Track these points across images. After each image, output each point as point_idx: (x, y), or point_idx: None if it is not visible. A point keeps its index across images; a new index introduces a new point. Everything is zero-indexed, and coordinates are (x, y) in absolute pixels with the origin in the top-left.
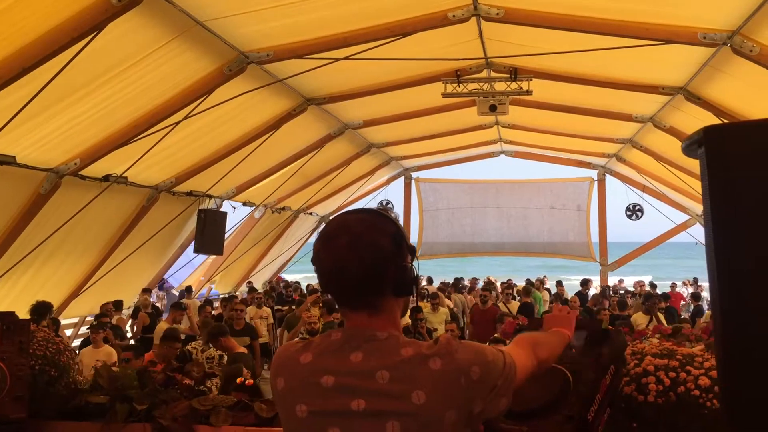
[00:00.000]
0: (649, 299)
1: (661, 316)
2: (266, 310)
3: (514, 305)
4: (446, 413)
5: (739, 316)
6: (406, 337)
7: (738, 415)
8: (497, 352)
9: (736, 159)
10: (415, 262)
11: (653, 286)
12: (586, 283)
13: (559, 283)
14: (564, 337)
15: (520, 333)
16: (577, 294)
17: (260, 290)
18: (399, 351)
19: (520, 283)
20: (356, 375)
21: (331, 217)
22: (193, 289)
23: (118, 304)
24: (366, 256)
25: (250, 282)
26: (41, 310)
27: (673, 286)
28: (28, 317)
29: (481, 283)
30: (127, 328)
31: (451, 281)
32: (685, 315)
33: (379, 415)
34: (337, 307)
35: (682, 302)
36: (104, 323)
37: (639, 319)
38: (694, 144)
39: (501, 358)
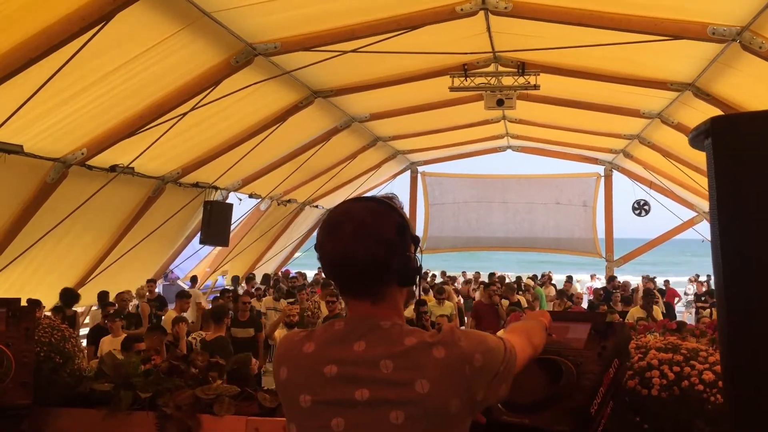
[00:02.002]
0: (647, 295)
1: (658, 312)
2: (283, 303)
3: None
4: (451, 401)
5: (744, 310)
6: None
7: (741, 411)
8: (498, 339)
9: (743, 150)
10: (418, 253)
11: (651, 280)
12: (612, 280)
13: (568, 279)
14: (542, 324)
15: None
16: (602, 289)
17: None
18: (402, 340)
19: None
20: (360, 364)
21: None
22: (198, 279)
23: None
24: (369, 244)
25: (252, 274)
26: (71, 297)
27: (667, 283)
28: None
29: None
30: None
31: (455, 275)
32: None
33: (384, 404)
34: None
35: (677, 299)
36: (119, 312)
37: (636, 314)
38: (700, 135)
39: (502, 345)
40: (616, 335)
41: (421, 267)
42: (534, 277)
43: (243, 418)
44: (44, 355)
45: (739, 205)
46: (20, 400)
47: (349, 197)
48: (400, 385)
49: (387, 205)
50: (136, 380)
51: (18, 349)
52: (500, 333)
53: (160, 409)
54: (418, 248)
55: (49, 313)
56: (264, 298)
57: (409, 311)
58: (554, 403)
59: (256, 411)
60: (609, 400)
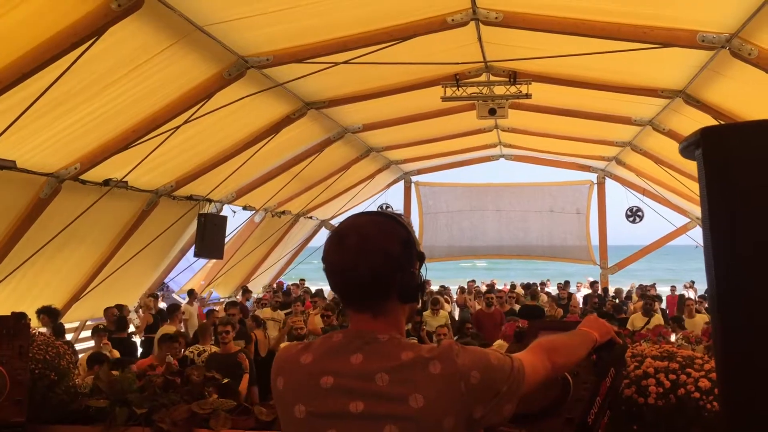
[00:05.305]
0: (647, 301)
1: (659, 319)
2: (280, 314)
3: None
4: (444, 418)
5: (737, 318)
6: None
7: (737, 414)
8: (504, 357)
9: (733, 160)
10: (423, 269)
11: (643, 288)
12: (593, 285)
13: (565, 284)
14: (588, 338)
15: (519, 335)
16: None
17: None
18: (399, 354)
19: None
20: (356, 377)
21: (341, 217)
22: (195, 293)
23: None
24: (374, 259)
25: (245, 287)
26: (52, 314)
27: (673, 289)
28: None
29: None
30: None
31: (450, 285)
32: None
33: (377, 418)
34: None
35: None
36: (107, 329)
37: (636, 320)
38: (691, 145)
39: (508, 364)
40: (612, 344)
41: (424, 284)
42: (527, 286)
43: None
44: (39, 372)
45: (730, 212)
46: (15, 417)
47: (344, 210)
48: (395, 399)
49: (395, 220)
50: (131, 396)
51: (12, 366)
52: (533, 346)
53: (156, 425)
54: (423, 265)
55: (44, 329)
56: (264, 309)
57: None
58: (551, 413)
59: (252, 425)
60: (606, 410)
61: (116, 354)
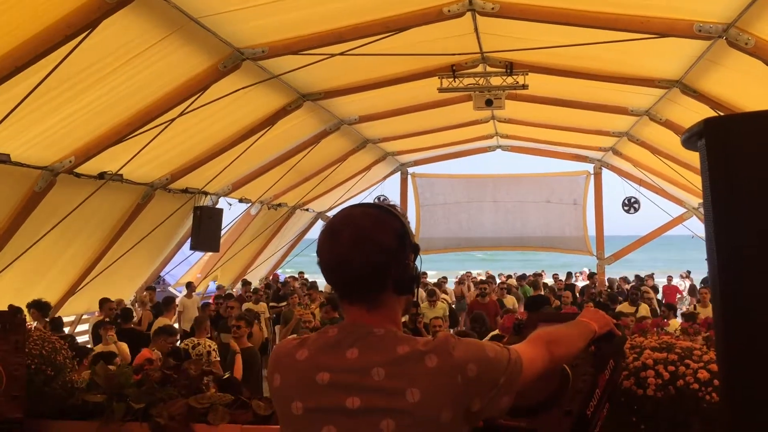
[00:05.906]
0: (634, 290)
1: (647, 307)
2: (262, 306)
3: (509, 300)
4: (441, 412)
5: (739, 306)
6: (404, 332)
7: (738, 406)
8: (501, 349)
9: (736, 150)
10: (418, 260)
11: (639, 279)
12: (591, 277)
13: (567, 276)
14: (587, 329)
15: (518, 328)
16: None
17: (257, 286)
18: (395, 348)
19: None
20: (352, 372)
21: (337, 209)
22: (194, 286)
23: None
24: (369, 252)
25: (244, 279)
26: (42, 308)
27: (670, 279)
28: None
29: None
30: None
31: (448, 276)
32: (681, 308)
33: (374, 413)
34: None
35: (678, 296)
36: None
37: (624, 310)
38: (694, 136)
39: (505, 356)
40: (611, 335)
41: (419, 276)
42: (522, 277)
43: (237, 427)
44: (35, 368)
45: (733, 203)
46: (12, 413)
47: (341, 201)
48: (391, 393)
49: (389, 212)
50: (128, 391)
51: (9, 362)
52: (532, 337)
53: (153, 420)
54: (418, 256)
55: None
56: (245, 303)
57: None
58: (550, 406)
59: (250, 419)
60: (605, 402)
61: (123, 346)
